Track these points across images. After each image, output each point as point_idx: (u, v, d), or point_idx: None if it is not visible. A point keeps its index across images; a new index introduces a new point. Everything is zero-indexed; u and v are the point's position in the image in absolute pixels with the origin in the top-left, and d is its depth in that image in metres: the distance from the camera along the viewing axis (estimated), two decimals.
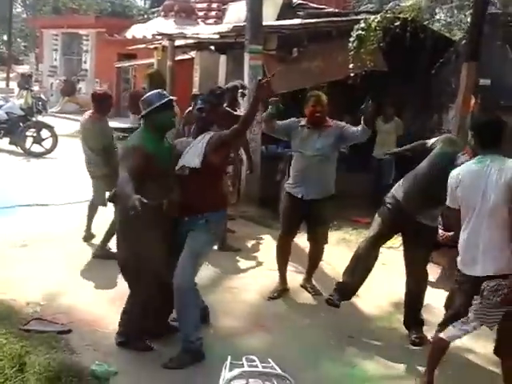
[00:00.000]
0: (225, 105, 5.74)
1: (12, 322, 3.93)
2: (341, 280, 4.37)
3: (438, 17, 8.97)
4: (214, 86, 7.04)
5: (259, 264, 5.71)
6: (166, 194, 3.67)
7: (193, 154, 3.68)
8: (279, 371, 2.83)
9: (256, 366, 2.84)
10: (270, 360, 2.94)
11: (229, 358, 2.94)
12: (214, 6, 16.23)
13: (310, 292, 4.99)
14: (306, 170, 4.68)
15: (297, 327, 4.35)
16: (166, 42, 11.12)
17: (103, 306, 4.38)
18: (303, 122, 4.75)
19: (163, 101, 3.73)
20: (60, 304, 4.39)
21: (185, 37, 10.58)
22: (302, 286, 5.08)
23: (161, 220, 3.64)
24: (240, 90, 6.11)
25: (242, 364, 2.87)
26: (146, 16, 26.52)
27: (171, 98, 3.83)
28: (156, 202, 3.51)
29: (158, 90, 3.90)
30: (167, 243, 3.72)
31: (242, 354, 2.98)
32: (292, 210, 4.82)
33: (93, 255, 5.44)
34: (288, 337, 4.17)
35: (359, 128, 4.47)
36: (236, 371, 2.78)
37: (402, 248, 4.49)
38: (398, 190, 4.17)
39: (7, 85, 23.57)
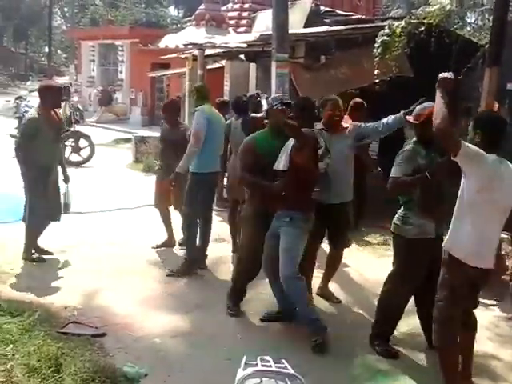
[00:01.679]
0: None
1: (50, 325, 4.07)
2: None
3: (468, 21, 8.89)
4: (241, 94, 7.26)
5: None
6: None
7: (282, 156, 4.12)
8: (292, 371, 2.90)
9: (270, 366, 2.92)
10: (283, 360, 3.00)
11: (244, 357, 3.03)
12: (245, 14, 16.42)
13: (329, 300, 4.98)
14: (322, 176, 4.60)
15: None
16: (196, 52, 11.37)
17: (136, 311, 4.55)
18: (319, 125, 4.78)
19: (276, 104, 4.27)
20: (95, 308, 4.57)
21: (214, 46, 10.78)
22: (319, 295, 5.01)
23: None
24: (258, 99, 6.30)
25: (257, 363, 2.95)
26: (178, 25, 26.99)
27: (288, 101, 4.36)
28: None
29: (280, 94, 4.69)
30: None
31: (258, 354, 3.07)
32: (315, 218, 4.73)
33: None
34: (305, 340, 4.15)
35: (388, 119, 4.56)
36: (249, 370, 2.86)
37: None
38: None
39: None
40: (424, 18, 7.08)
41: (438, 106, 3.24)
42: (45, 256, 5.65)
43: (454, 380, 3.42)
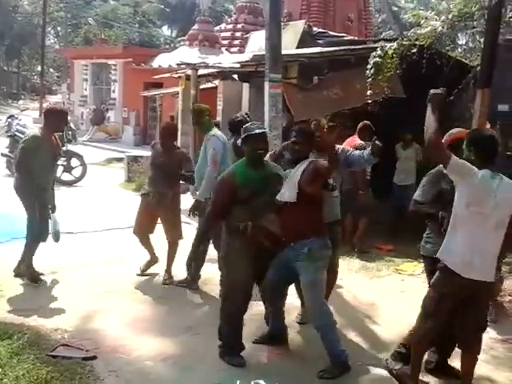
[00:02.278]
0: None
1: (40, 348, 4.02)
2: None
3: (460, 42, 9.01)
4: (234, 114, 7.26)
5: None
6: (253, 219, 3.95)
7: (288, 186, 3.94)
8: None
9: None
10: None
11: (238, 382, 3.09)
12: (238, 34, 16.58)
13: None
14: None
15: (311, 357, 4.26)
16: (189, 71, 11.42)
17: (127, 333, 4.49)
18: None
19: (256, 131, 4.02)
20: (86, 330, 4.51)
21: (207, 66, 10.84)
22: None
23: (248, 244, 3.96)
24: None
25: None
26: (172, 45, 27.19)
27: (261, 131, 4.07)
28: (240, 224, 3.93)
29: (258, 123, 4.29)
30: (255, 267, 4.02)
31: (252, 378, 3.13)
32: None
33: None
34: (300, 364, 4.15)
35: (366, 152, 4.49)
36: None
37: (422, 275, 4.46)
38: None
39: (40, 114, 24.36)
40: (416, 40, 7.17)
41: (428, 120, 3.37)
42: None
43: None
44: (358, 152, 4.68)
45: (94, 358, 4.01)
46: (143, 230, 5.91)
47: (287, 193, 3.93)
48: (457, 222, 3.39)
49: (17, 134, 11.89)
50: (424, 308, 3.61)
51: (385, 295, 5.71)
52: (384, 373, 3.99)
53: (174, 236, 5.78)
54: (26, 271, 5.56)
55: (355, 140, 6.84)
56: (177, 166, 5.63)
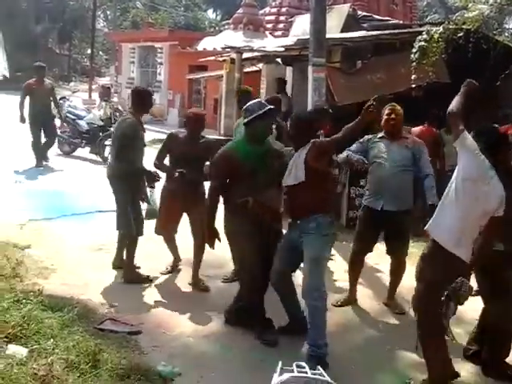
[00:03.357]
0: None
1: (88, 321, 4.16)
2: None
3: (507, 26, 8.77)
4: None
5: None
6: (253, 195, 3.97)
7: (296, 169, 3.92)
8: (327, 378, 2.88)
9: (305, 372, 2.90)
10: (319, 367, 3.01)
11: (280, 363, 3.03)
12: (282, 18, 16.50)
13: (393, 310, 4.91)
14: (385, 181, 4.68)
15: (356, 338, 4.38)
16: (233, 55, 11.52)
17: (171, 310, 4.63)
18: (380, 134, 4.84)
19: (264, 109, 4.03)
20: (132, 306, 4.66)
21: (251, 50, 10.90)
22: (385, 304, 5.00)
23: (248, 220, 3.99)
24: None
25: (293, 369, 2.93)
26: (216, 28, 27.27)
27: (271, 107, 4.11)
28: (241, 200, 3.94)
29: (259, 100, 4.28)
30: (259, 243, 4.05)
31: (294, 360, 3.07)
32: (369, 225, 4.82)
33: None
34: (344, 346, 4.21)
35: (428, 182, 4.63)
36: (285, 376, 2.85)
37: None
38: None
39: (90, 96, 24.96)
40: (462, 24, 7.04)
41: (455, 100, 3.51)
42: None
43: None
44: (428, 166, 4.73)
45: (139, 332, 4.15)
46: (167, 229, 5.39)
47: (295, 174, 3.92)
48: (452, 195, 3.44)
49: (68, 115, 12.31)
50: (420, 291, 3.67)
51: None
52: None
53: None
54: (127, 272, 5.28)
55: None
56: (201, 153, 5.03)
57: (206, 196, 4.48)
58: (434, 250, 3.49)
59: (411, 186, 4.77)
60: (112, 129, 11.68)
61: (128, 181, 5.16)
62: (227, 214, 4.20)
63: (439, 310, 3.56)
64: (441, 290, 3.53)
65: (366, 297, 5.18)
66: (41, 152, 10.28)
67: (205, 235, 4.49)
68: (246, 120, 4.12)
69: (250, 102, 4.19)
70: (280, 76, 10.78)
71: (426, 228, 3.58)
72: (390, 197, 4.65)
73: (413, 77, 7.26)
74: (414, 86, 7.48)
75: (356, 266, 5.00)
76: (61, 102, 13.03)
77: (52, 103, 10.51)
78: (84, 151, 11.97)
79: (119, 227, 5.33)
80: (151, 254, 5.77)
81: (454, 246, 3.40)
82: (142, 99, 5.28)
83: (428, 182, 4.64)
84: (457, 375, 3.60)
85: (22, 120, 10.22)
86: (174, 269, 5.55)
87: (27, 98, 10.18)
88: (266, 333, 4.14)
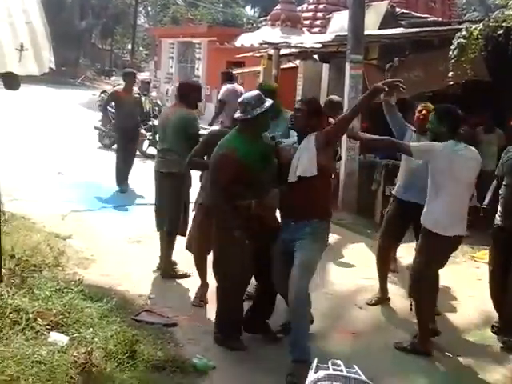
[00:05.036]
0: None
1: (126, 312, 4.24)
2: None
3: None
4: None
5: (354, 272, 5.77)
6: (257, 196, 3.75)
7: (305, 161, 3.67)
8: (363, 377, 2.87)
9: (341, 370, 2.90)
10: (354, 366, 2.99)
11: (315, 360, 3.04)
12: (320, 15, 16.42)
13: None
14: (413, 174, 4.70)
15: (388, 337, 4.38)
16: (271, 51, 11.56)
17: (207, 304, 4.69)
18: (414, 128, 4.87)
19: (269, 103, 3.78)
20: (168, 299, 4.74)
21: (289, 46, 10.92)
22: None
23: (250, 222, 3.75)
24: None
25: (328, 367, 2.91)
26: (254, 25, 27.31)
27: (271, 102, 3.85)
28: (245, 202, 3.72)
29: (257, 92, 3.93)
30: (257, 246, 3.81)
31: (329, 358, 3.08)
32: (398, 217, 4.82)
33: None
34: (378, 345, 4.24)
35: None
36: (321, 373, 2.85)
37: None
38: None
39: None
40: (503, 21, 6.90)
41: None
42: None
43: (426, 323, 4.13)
44: None
45: (175, 325, 4.21)
46: (201, 246, 4.68)
47: (305, 168, 3.65)
48: (435, 189, 3.96)
49: (109, 108, 12.58)
50: (416, 273, 4.12)
51: (460, 282, 5.66)
52: (461, 358, 4.12)
53: None
54: (167, 267, 5.30)
55: None
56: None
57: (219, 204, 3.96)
58: (429, 238, 3.99)
59: None
60: (151, 122, 11.98)
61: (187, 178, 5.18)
62: (223, 214, 3.89)
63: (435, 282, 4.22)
64: (439, 265, 4.12)
65: (399, 296, 5.15)
66: (122, 173, 8.57)
67: None
68: (243, 116, 3.78)
69: (247, 94, 3.88)
70: (317, 73, 10.78)
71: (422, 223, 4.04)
72: (418, 189, 4.58)
73: (450, 74, 7.16)
74: (452, 83, 7.37)
75: (383, 261, 4.97)
76: (103, 95, 13.37)
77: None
78: None
79: (172, 228, 5.21)
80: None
81: (447, 230, 3.93)
82: (193, 94, 5.23)
83: None
84: (438, 333, 4.29)
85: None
86: (204, 299, 4.74)
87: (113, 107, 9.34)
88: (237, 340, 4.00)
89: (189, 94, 5.24)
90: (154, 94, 18.55)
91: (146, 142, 11.95)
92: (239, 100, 3.89)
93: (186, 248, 4.90)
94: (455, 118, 4.04)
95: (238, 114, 3.86)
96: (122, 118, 8.45)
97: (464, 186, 3.99)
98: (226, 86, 8.60)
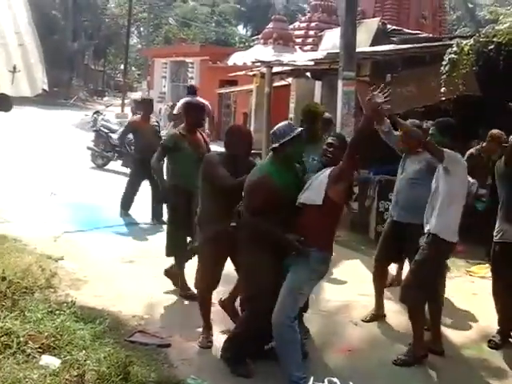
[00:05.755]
0: None
1: (119, 333, 4.19)
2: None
3: None
4: None
5: (349, 289, 5.75)
6: (289, 227, 3.66)
7: (314, 189, 3.67)
8: None
9: None
10: (350, 383, 3.02)
11: (311, 378, 3.05)
12: (311, 33, 16.64)
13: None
14: (400, 192, 4.76)
15: (385, 353, 4.33)
16: (264, 69, 11.61)
17: (200, 323, 4.54)
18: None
19: (296, 132, 3.74)
20: (162, 318, 4.71)
21: (281, 64, 10.97)
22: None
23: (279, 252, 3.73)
24: None
25: None
26: (246, 44, 27.58)
27: (302, 129, 3.85)
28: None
29: (287, 122, 3.96)
30: (278, 274, 3.75)
31: (325, 376, 3.11)
32: (388, 234, 4.87)
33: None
34: (375, 362, 4.20)
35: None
36: None
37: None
38: None
39: (122, 110, 25.44)
40: (493, 37, 6.97)
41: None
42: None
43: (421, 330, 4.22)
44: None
45: (169, 345, 4.16)
46: (209, 282, 4.40)
47: (313, 195, 3.65)
48: (451, 200, 4.07)
49: (101, 128, 12.60)
50: (420, 281, 4.16)
51: (456, 297, 5.59)
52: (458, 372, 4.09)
53: None
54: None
55: None
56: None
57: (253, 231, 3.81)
58: (441, 246, 4.08)
59: (426, 200, 4.67)
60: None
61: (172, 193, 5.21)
62: (252, 243, 3.79)
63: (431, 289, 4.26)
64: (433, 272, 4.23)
65: (395, 312, 5.10)
66: (155, 211, 7.89)
67: None
68: (275, 145, 3.76)
69: (280, 125, 3.82)
70: (309, 90, 10.82)
71: (429, 230, 4.11)
72: (402, 208, 4.71)
73: (442, 89, 7.20)
74: (444, 99, 7.40)
75: (378, 277, 4.97)
76: (95, 116, 13.38)
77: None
78: (116, 164, 12.19)
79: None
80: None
81: (455, 237, 4.12)
82: (188, 113, 5.24)
83: None
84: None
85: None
86: (211, 339, 4.37)
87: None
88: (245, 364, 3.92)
89: (190, 113, 5.24)
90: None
91: None
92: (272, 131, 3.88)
93: (195, 286, 4.65)
94: (455, 129, 4.25)
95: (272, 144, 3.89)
96: (141, 149, 7.92)
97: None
98: (184, 99, 8.59)
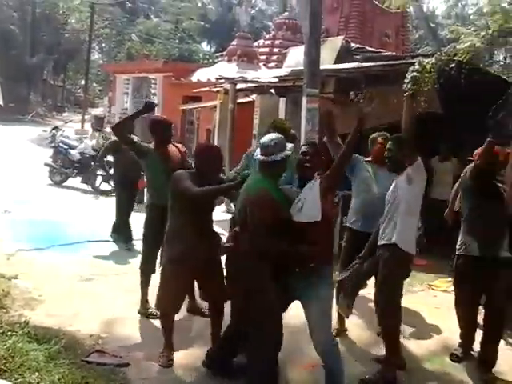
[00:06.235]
0: None
1: (75, 353, 4.07)
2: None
3: (496, 58, 8.92)
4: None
5: None
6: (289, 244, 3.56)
7: (309, 206, 3.56)
8: None
9: None
10: None
11: None
12: (276, 50, 16.79)
13: None
14: (369, 206, 4.70)
15: (348, 368, 4.14)
16: (227, 86, 11.60)
17: (160, 342, 4.44)
18: (368, 158, 4.87)
19: (290, 148, 3.79)
20: (120, 337, 4.56)
21: (245, 80, 10.99)
22: (378, 335, 4.75)
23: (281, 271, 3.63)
24: None
25: None
26: (210, 60, 27.64)
27: (291, 144, 3.91)
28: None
29: (279, 135, 3.82)
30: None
31: None
32: (351, 246, 4.82)
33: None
34: None
35: None
36: None
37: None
38: None
39: (82, 126, 25.05)
40: (454, 55, 7.12)
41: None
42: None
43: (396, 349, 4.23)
44: None
45: (127, 365, 4.04)
46: (174, 304, 4.26)
47: (311, 211, 3.54)
48: (412, 210, 4.14)
49: (60, 144, 12.31)
50: (390, 303, 4.17)
51: (418, 311, 5.65)
52: None
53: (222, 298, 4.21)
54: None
55: None
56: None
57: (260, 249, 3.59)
58: (402, 258, 4.11)
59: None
60: (104, 158, 11.69)
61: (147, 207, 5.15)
62: (255, 264, 3.60)
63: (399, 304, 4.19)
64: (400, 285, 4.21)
65: (356, 326, 5.09)
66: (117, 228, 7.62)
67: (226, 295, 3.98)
68: (268, 158, 3.63)
69: (270, 136, 3.74)
70: (273, 107, 10.84)
71: (389, 242, 4.11)
72: (370, 220, 4.63)
73: (405, 106, 7.29)
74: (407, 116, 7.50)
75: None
76: (53, 131, 13.06)
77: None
78: (75, 181, 11.90)
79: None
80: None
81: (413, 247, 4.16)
82: (154, 129, 5.13)
83: None
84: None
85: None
86: (172, 358, 4.24)
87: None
88: None
89: (155, 130, 5.13)
90: (108, 129, 18.31)
91: (99, 178, 11.69)
92: (261, 141, 3.78)
93: (157, 308, 4.46)
94: (411, 144, 4.32)
95: (260, 156, 3.70)
96: (123, 169, 7.53)
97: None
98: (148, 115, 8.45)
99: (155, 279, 4.79)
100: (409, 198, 4.11)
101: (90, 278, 5.98)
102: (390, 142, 4.39)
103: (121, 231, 7.55)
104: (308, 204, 3.57)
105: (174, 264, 4.09)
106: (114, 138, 9.16)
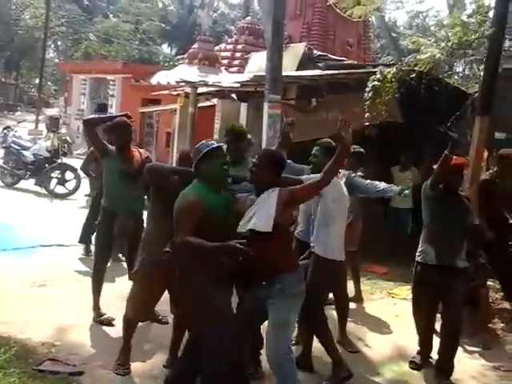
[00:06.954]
0: None
1: (27, 362, 3.97)
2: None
3: (456, 70, 9.14)
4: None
5: None
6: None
7: (261, 215, 3.41)
8: None
9: None
10: None
11: None
12: (238, 55, 16.74)
13: (346, 348, 4.77)
14: (309, 215, 4.62)
15: (305, 378, 4.19)
16: (188, 89, 11.45)
17: (115, 350, 4.33)
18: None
19: (208, 149, 3.50)
20: (74, 345, 4.44)
21: (206, 85, 10.88)
22: (337, 343, 4.66)
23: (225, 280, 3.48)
24: None
25: None
26: (171, 63, 27.37)
27: (218, 145, 3.58)
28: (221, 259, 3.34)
29: (208, 141, 3.68)
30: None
31: None
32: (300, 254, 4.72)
33: None
34: None
35: (386, 187, 4.68)
36: None
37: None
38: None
39: (36, 126, 24.33)
40: (414, 66, 7.25)
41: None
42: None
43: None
44: (367, 181, 4.74)
45: (81, 373, 3.97)
46: (144, 309, 4.23)
47: (265, 222, 3.38)
48: (330, 218, 4.24)
49: (12, 145, 11.90)
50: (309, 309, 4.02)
51: (378, 319, 5.70)
52: None
53: None
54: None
55: None
56: None
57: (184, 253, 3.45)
58: (325, 265, 4.20)
59: None
60: (59, 160, 11.39)
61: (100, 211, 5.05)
62: (195, 274, 3.41)
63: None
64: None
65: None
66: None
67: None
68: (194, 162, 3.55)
69: (200, 143, 3.62)
70: (235, 112, 10.76)
71: (314, 251, 4.23)
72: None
73: (366, 115, 7.36)
74: (367, 124, 7.58)
75: None
76: (5, 131, 12.62)
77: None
78: (28, 183, 11.51)
79: None
80: None
81: (339, 254, 4.31)
82: (112, 132, 5.02)
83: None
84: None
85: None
86: (127, 367, 4.12)
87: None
88: None
89: (113, 133, 5.01)
90: (63, 130, 17.84)
91: (54, 181, 11.35)
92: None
93: (129, 314, 4.26)
94: (333, 151, 4.26)
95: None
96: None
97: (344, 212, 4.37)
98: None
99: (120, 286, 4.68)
100: (320, 208, 4.24)
101: (42, 284, 5.80)
102: (315, 148, 4.48)
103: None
104: (259, 213, 3.43)
105: (147, 269, 3.99)
106: (89, 147, 8.90)
